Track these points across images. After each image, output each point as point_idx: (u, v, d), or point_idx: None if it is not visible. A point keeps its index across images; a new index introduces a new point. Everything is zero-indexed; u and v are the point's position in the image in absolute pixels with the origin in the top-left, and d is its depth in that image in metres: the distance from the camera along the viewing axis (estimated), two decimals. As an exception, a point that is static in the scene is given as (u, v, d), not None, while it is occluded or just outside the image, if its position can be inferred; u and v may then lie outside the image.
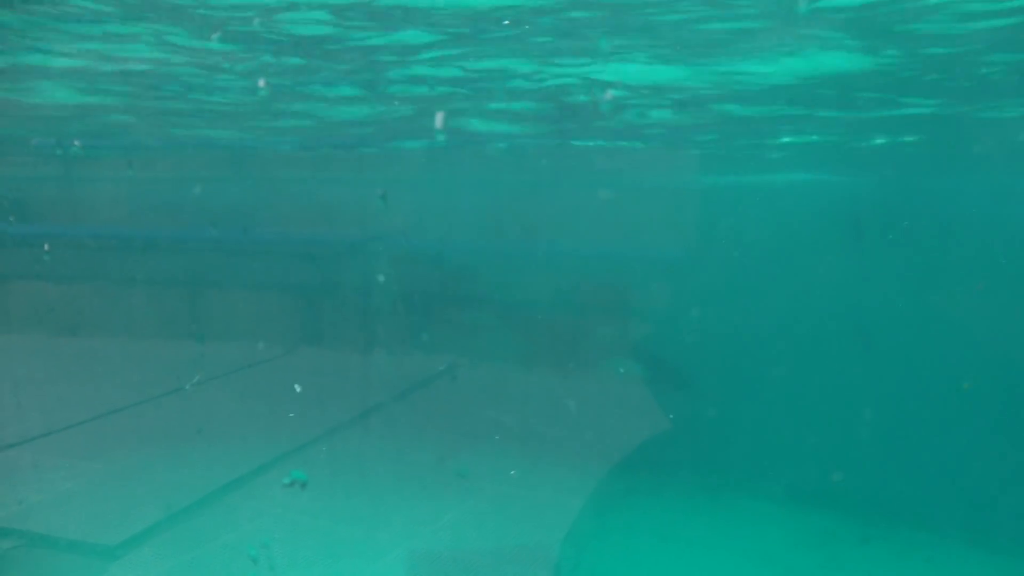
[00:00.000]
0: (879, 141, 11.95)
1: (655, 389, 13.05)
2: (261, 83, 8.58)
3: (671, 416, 12.36)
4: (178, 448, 11.78)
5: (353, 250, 17.92)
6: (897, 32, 6.80)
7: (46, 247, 20.16)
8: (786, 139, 12.61)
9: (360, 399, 14.13)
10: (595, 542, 9.53)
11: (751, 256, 13.45)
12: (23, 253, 20.71)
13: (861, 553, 9.48)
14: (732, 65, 8.05)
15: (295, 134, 13.92)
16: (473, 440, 12.44)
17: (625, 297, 15.34)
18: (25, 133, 15.26)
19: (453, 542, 9.23)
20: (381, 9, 6.45)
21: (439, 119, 10.23)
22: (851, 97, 9.42)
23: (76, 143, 13.74)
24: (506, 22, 6.95)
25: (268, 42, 7.34)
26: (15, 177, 21.16)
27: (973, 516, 10.10)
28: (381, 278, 17.62)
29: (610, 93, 8.73)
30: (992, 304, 11.11)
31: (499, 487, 10.77)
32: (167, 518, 9.57)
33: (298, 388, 13.36)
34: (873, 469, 10.96)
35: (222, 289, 19.41)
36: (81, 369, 16.13)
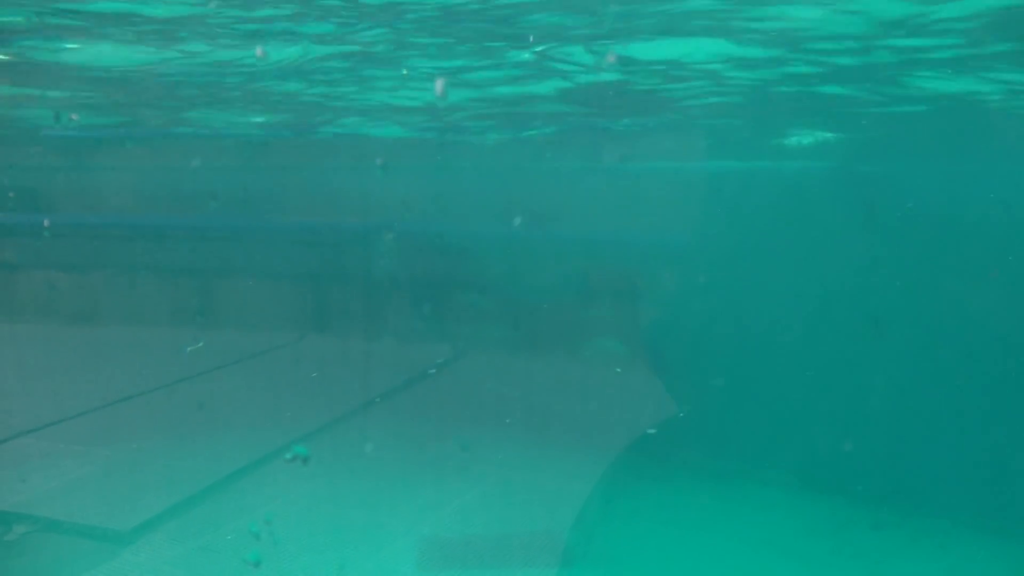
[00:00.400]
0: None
1: (664, 376, 12.99)
2: (259, 52, 8.35)
3: (680, 403, 12.31)
4: (188, 435, 11.87)
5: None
6: None
7: (50, 233, 20.29)
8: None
9: (369, 386, 14.17)
10: (604, 528, 9.53)
11: (762, 243, 13.32)
12: (35, 242, 20.87)
13: (873, 540, 9.42)
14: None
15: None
16: (483, 426, 12.47)
17: (635, 284, 15.26)
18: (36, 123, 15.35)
19: (463, 527, 9.25)
20: None
21: (439, 86, 9.89)
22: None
23: (73, 116, 13.63)
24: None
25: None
26: (28, 167, 21.28)
27: (986, 503, 10.00)
28: (388, 264, 17.58)
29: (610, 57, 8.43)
30: (1000, 292, 10.97)
31: (509, 472, 10.79)
32: (178, 504, 9.66)
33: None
34: (885, 456, 10.88)
35: (236, 277, 19.48)
36: (94, 356, 16.27)
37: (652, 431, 11.01)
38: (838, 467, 10.78)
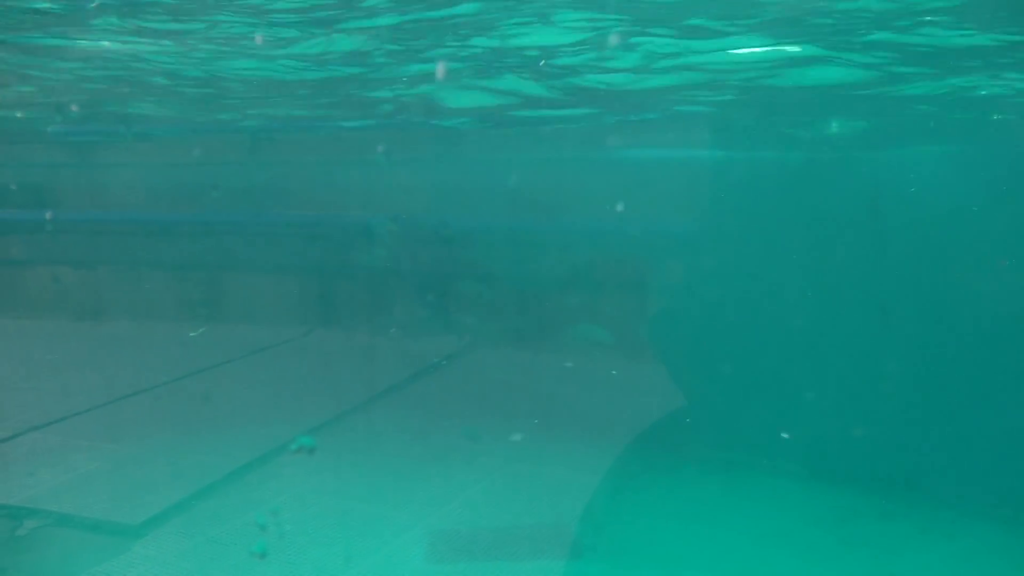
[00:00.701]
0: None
1: (670, 366, 12.97)
2: (258, 39, 8.26)
3: (688, 394, 12.29)
4: (197, 430, 11.92)
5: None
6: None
7: (59, 230, 20.33)
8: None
9: (375, 380, 14.20)
10: (611, 520, 9.53)
11: (763, 235, 13.26)
12: (45, 239, 20.97)
13: (882, 530, 9.41)
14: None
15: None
16: (491, 419, 12.48)
17: (640, 274, 15.22)
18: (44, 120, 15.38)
19: (471, 520, 9.27)
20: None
21: (440, 70, 9.74)
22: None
23: (73, 108, 13.53)
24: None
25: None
26: (36, 164, 21.34)
27: (994, 493, 9.97)
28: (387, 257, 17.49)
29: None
30: (1010, 281, 10.91)
31: (515, 465, 10.81)
32: (188, 497, 9.70)
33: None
34: (894, 445, 10.85)
35: (247, 271, 19.51)
36: (104, 353, 16.35)
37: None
38: (845, 457, 10.75)
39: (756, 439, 11.35)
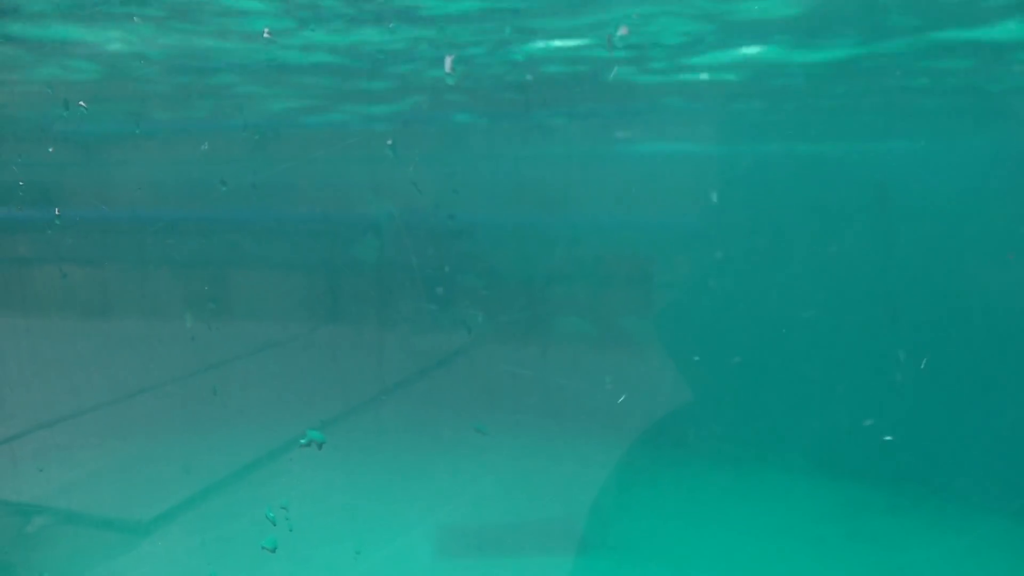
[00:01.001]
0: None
1: (678, 360, 12.96)
2: (266, 33, 8.15)
3: (693, 387, 12.28)
4: (203, 428, 11.93)
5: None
6: None
7: (64, 229, 20.33)
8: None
9: (379, 376, 14.19)
10: (616, 516, 9.54)
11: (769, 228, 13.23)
12: (49, 239, 20.97)
13: (890, 524, 9.40)
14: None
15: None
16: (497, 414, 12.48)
17: (643, 268, 15.19)
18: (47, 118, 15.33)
19: (477, 516, 9.29)
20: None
21: (448, 64, 9.63)
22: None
23: (81, 104, 13.40)
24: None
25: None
26: (42, 164, 21.34)
27: (1005, 487, 9.96)
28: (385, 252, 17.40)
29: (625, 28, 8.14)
30: (1017, 273, 10.88)
31: (523, 461, 10.82)
32: (196, 495, 9.72)
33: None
34: (903, 439, 10.83)
35: (248, 268, 19.48)
36: (110, 352, 16.36)
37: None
38: (853, 451, 10.73)
39: (763, 434, 11.33)
